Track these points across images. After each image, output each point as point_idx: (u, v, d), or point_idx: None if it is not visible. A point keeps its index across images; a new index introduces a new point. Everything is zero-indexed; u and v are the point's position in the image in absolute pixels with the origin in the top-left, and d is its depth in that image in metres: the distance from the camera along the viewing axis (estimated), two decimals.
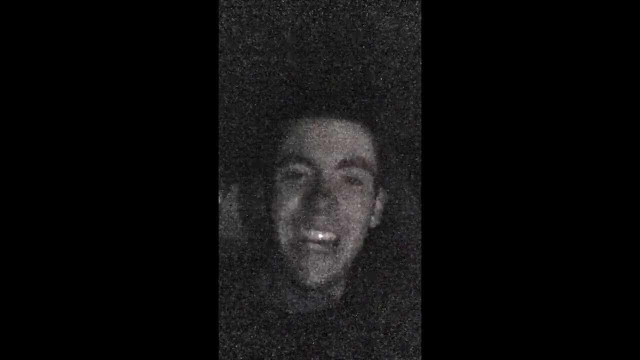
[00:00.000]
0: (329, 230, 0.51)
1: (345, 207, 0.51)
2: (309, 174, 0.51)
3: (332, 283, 0.53)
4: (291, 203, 0.51)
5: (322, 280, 0.51)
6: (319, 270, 0.51)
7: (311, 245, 0.51)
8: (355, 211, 0.52)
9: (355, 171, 0.52)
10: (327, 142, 0.51)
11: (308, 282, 0.51)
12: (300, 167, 0.51)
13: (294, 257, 0.51)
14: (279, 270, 0.56)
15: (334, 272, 0.52)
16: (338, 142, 0.52)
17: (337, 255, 0.52)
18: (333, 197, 0.50)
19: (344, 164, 0.51)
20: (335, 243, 0.51)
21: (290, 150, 0.52)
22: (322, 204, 0.49)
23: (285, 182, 0.52)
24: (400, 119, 0.69)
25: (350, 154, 0.52)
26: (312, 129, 0.52)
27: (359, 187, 0.52)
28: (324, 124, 0.52)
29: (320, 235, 0.50)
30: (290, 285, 0.54)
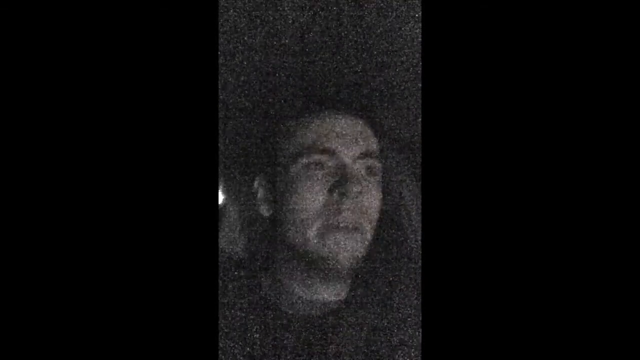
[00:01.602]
0: (354, 217, 0.52)
1: (367, 196, 0.53)
2: (329, 164, 0.52)
3: (359, 267, 0.54)
4: (316, 192, 0.52)
5: (352, 263, 0.52)
6: (348, 254, 0.51)
7: (338, 233, 0.51)
8: (374, 200, 0.54)
9: (372, 162, 0.54)
10: (347, 135, 0.53)
11: (339, 266, 0.51)
12: (323, 158, 0.52)
13: (322, 245, 0.51)
14: (283, 272, 0.56)
15: (361, 256, 0.53)
16: (356, 136, 0.53)
17: (361, 241, 0.53)
18: (360, 183, 0.52)
19: (363, 155, 0.53)
20: (358, 230, 0.52)
21: (311, 142, 0.52)
22: (352, 189, 0.50)
23: (307, 173, 0.52)
24: (400, 119, 0.69)
25: (367, 146, 0.54)
26: (330, 123, 0.53)
27: (376, 178, 0.55)
28: (341, 119, 0.54)
29: (348, 222, 0.51)
30: (295, 288, 0.54)
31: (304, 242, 0.52)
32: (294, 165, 0.53)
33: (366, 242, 0.53)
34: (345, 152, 0.52)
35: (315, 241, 0.52)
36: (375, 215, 0.54)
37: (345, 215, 0.51)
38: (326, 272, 0.53)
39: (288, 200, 0.53)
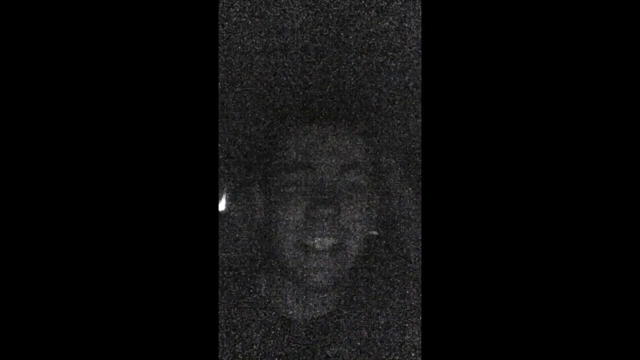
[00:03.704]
0: (331, 236, 0.50)
1: (348, 213, 0.51)
2: (310, 181, 0.51)
3: (336, 284, 0.53)
4: (294, 211, 0.50)
5: (326, 280, 0.51)
6: (323, 272, 0.50)
7: (314, 255, 0.50)
8: (358, 216, 0.52)
9: (355, 175, 0.52)
10: (328, 147, 0.51)
11: (312, 283, 0.50)
12: (302, 175, 0.51)
13: (297, 261, 0.51)
14: (280, 273, 0.56)
15: (338, 273, 0.52)
16: (338, 147, 0.51)
17: (341, 258, 0.51)
18: (336, 204, 0.49)
19: (344, 169, 0.51)
20: (338, 247, 0.51)
21: (291, 158, 0.51)
22: (326, 212, 0.49)
23: (287, 190, 0.51)
24: (400, 120, 0.69)
25: (350, 158, 0.52)
26: (311, 134, 0.52)
27: (360, 192, 0.52)
28: (323, 129, 0.52)
29: (324, 243, 0.50)
30: (292, 288, 0.54)
31: (284, 256, 0.52)
32: (277, 180, 0.52)
33: (349, 260, 0.52)
34: (326, 167, 0.51)
35: (292, 259, 0.51)
36: (360, 231, 0.52)
37: (322, 235, 0.50)
38: (305, 287, 0.52)
39: (275, 209, 0.52)
